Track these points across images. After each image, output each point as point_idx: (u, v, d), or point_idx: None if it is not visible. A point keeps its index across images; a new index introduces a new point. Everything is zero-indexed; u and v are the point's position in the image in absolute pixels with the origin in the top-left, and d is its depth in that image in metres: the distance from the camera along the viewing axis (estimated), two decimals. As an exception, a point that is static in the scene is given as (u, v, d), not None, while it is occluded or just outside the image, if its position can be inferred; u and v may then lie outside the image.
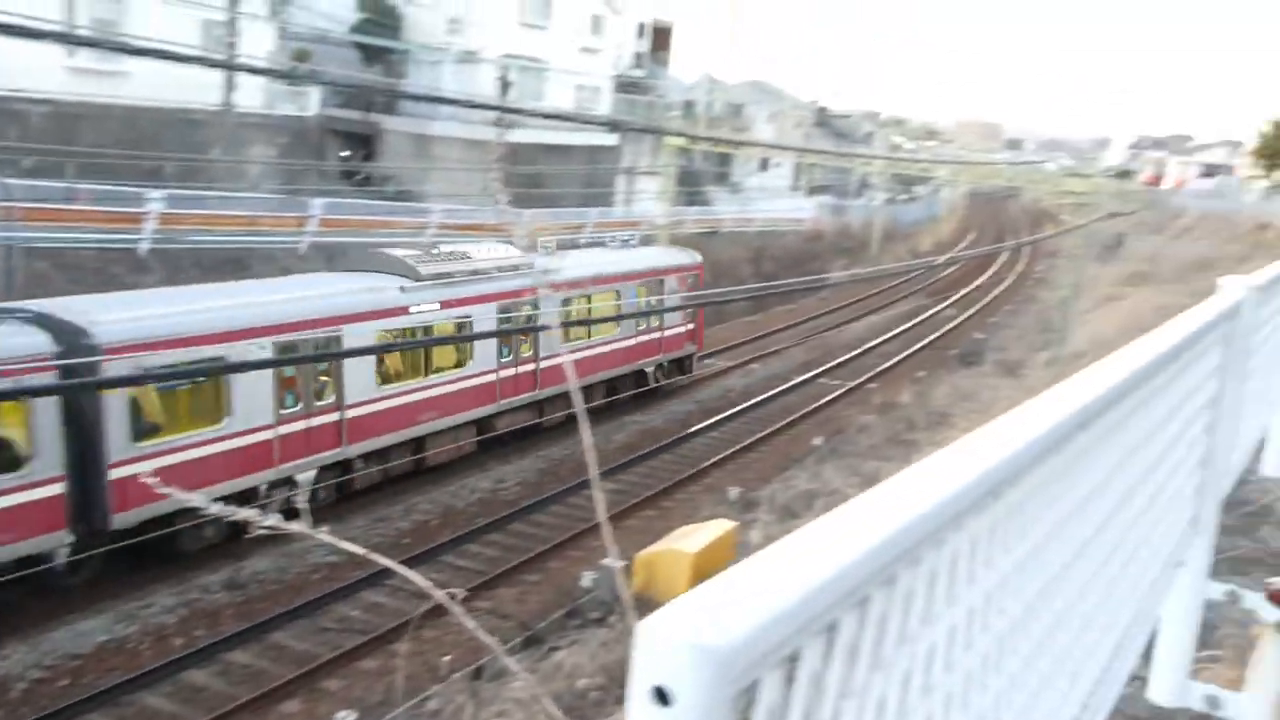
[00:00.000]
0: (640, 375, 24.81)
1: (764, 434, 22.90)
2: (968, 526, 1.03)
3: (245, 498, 14.41)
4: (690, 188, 45.73)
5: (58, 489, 12.56)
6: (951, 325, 38.56)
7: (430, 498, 17.84)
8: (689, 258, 26.73)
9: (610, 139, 42.34)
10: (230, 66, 24.24)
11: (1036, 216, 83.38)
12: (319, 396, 16.06)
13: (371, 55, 38.88)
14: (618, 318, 22.67)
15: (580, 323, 21.70)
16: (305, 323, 15.46)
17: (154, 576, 14.03)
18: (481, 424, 19.41)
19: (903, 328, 37.18)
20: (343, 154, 38.26)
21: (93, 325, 12.99)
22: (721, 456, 21.15)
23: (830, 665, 0.64)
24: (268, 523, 1.75)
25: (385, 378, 17.25)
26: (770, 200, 52.73)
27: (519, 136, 37.51)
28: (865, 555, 0.64)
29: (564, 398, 20.75)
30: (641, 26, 55.68)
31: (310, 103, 35.10)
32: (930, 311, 41.09)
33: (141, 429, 13.61)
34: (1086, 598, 1.57)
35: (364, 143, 38.89)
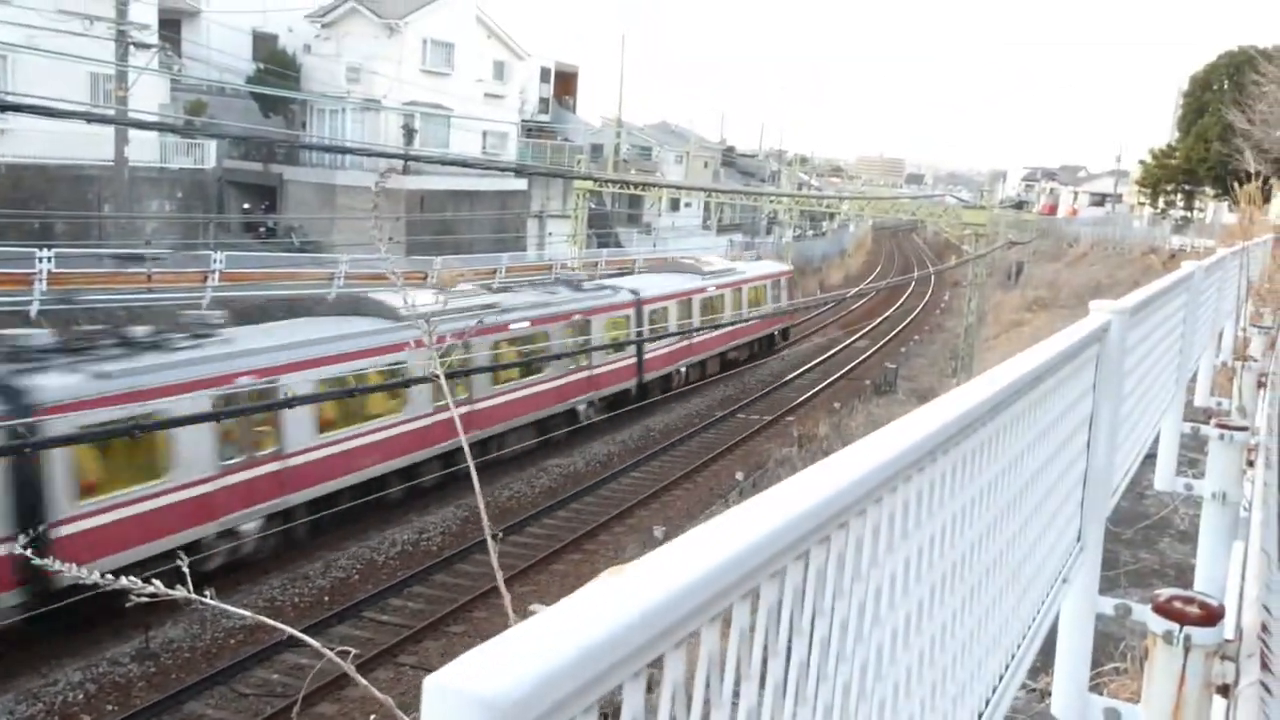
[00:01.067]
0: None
1: (686, 471, 22.99)
2: (834, 542, 1.07)
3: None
4: (601, 230, 46.02)
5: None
6: (864, 356, 39.36)
7: (350, 553, 17.44)
8: (786, 265, 41.00)
9: (519, 184, 42.45)
10: (117, 122, 23.68)
11: (940, 248, 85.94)
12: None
13: (270, 106, 38.40)
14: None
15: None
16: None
17: (59, 650, 13.40)
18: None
19: (817, 360, 37.81)
20: (244, 206, 37.60)
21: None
22: (645, 496, 21.16)
23: (661, 705, 0.65)
24: (148, 590, 1.69)
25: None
26: (682, 240, 53.34)
27: (427, 183, 37.39)
28: (704, 579, 0.66)
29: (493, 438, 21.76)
30: (545, 71, 56.19)
31: (208, 155, 34.47)
32: (843, 344, 41.89)
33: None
34: (969, 617, 1.62)
35: (266, 194, 38.29)
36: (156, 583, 1.73)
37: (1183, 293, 4.49)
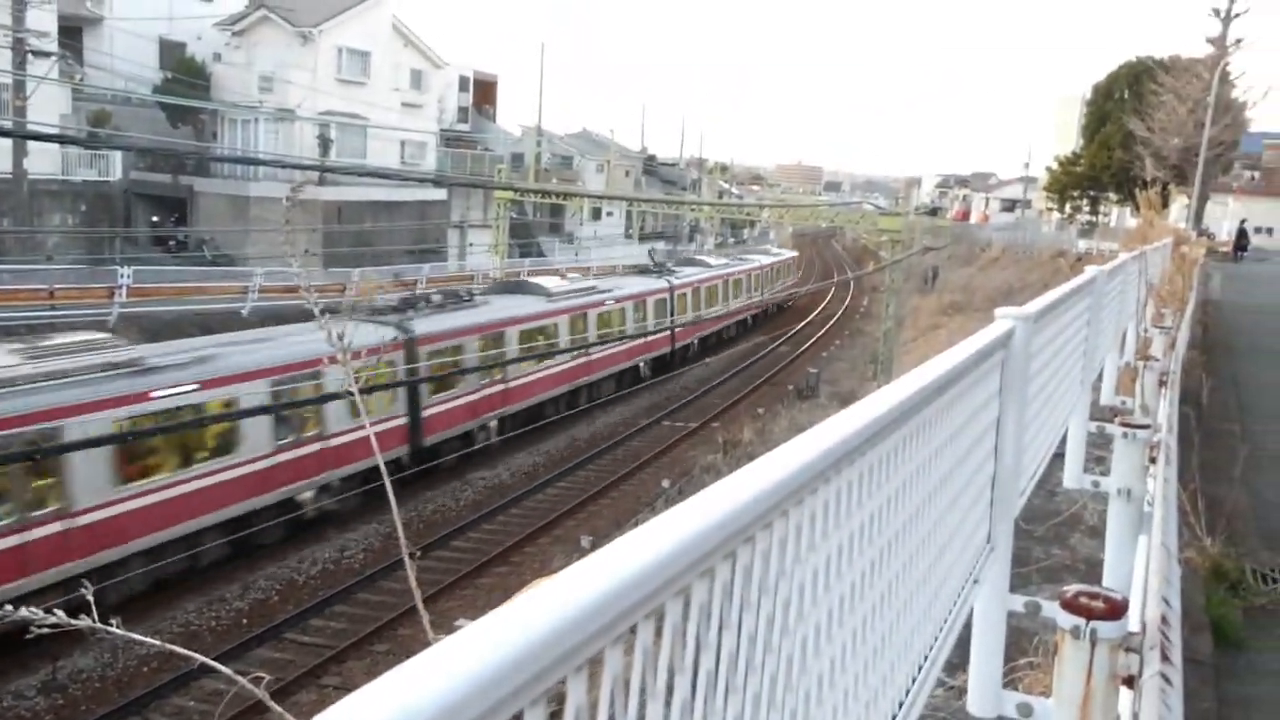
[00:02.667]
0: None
1: (613, 480, 22.99)
2: (741, 553, 1.09)
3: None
4: (523, 239, 45.85)
5: None
6: (787, 361, 39.83)
7: (268, 574, 17.03)
8: (790, 252, 46.85)
9: (439, 194, 42.09)
10: (14, 134, 22.86)
11: (858, 254, 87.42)
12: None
13: (179, 116, 37.43)
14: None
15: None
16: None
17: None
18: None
19: (741, 366, 38.16)
20: (153, 219, 36.57)
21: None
22: (571, 506, 21.09)
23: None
24: (50, 621, 1.63)
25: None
26: (605, 249, 53.42)
27: (345, 194, 36.83)
28: (604, 600, 0.66)
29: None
30: (464, 80, 55.81)
31: (113, 167, 33.46)
32: (765, 350, 42.34)
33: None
34: (884, 616, 1.66)
35: (175, 207, 37.30)
36: (59, 613, 1.68)
37: (1086, 297, 4.65)
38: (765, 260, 50.89)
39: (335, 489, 18.79)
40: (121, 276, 25.38)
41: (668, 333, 33.50)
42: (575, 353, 27.16)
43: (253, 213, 35.02)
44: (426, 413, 21.25)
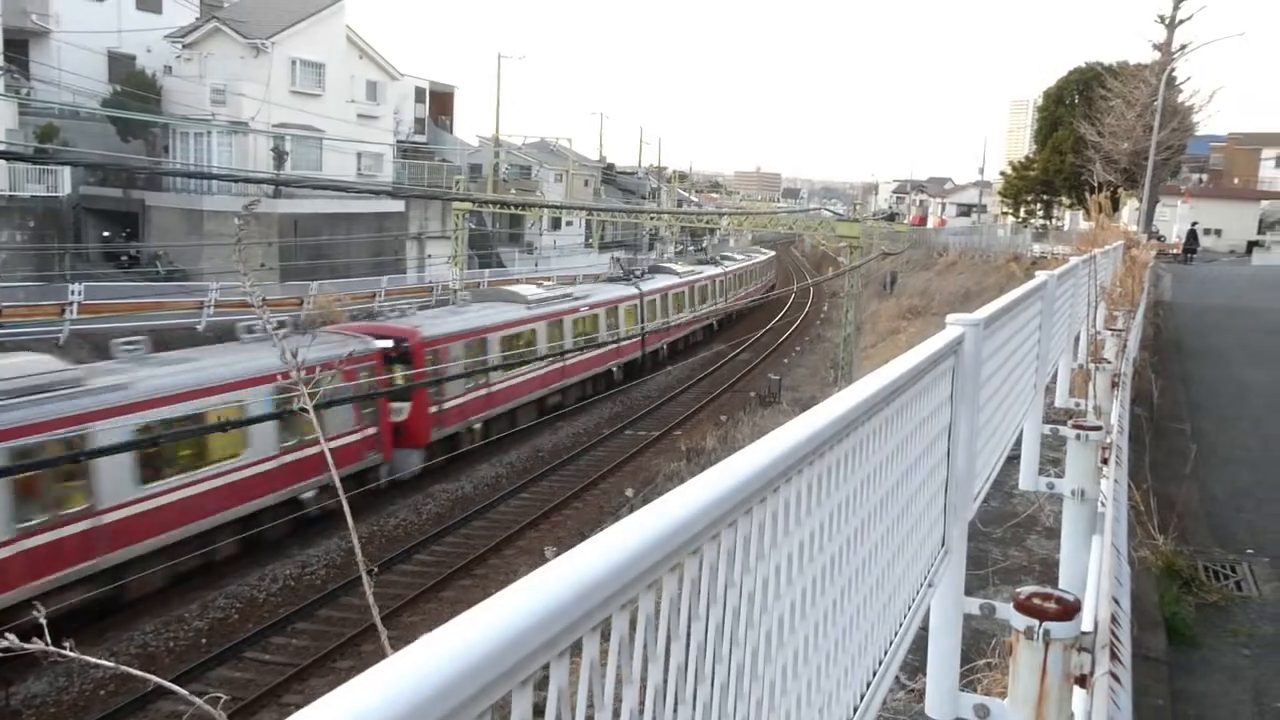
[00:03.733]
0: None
1: (577, 489, 22.94)
2: (706, 551, 1.11)
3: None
4: (483, 250, 45.69)
5: None
6: (748, 368, 40.01)
7: (228, 592, 16.80)
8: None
9: (397, 205, 41.84)
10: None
11: (817, 260, 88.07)
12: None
13: (130, 130, 36.91)
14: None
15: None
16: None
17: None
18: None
19: (703, 373, 38.27)
20: (104, 235, 36.01)
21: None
22: (535, 517, 21.02)
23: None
24: (1, 646, 1.61)
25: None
26: (565, 258, 53.38)
27: (300, 207, 36.50)
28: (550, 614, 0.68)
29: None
30: (420, 92, 55.59)
31: (62, 182, 32.91)
32: (726, 358, 42.49)
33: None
34: (839, 620, 1.69)
35: (127, 221, 36.75)
36: (11, 636, 1.64)
37: (1037, 301, 4.73)
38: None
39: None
40: (72, 293, 24.96)
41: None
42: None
43: (207, 227, 34.61)
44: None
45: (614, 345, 32.21)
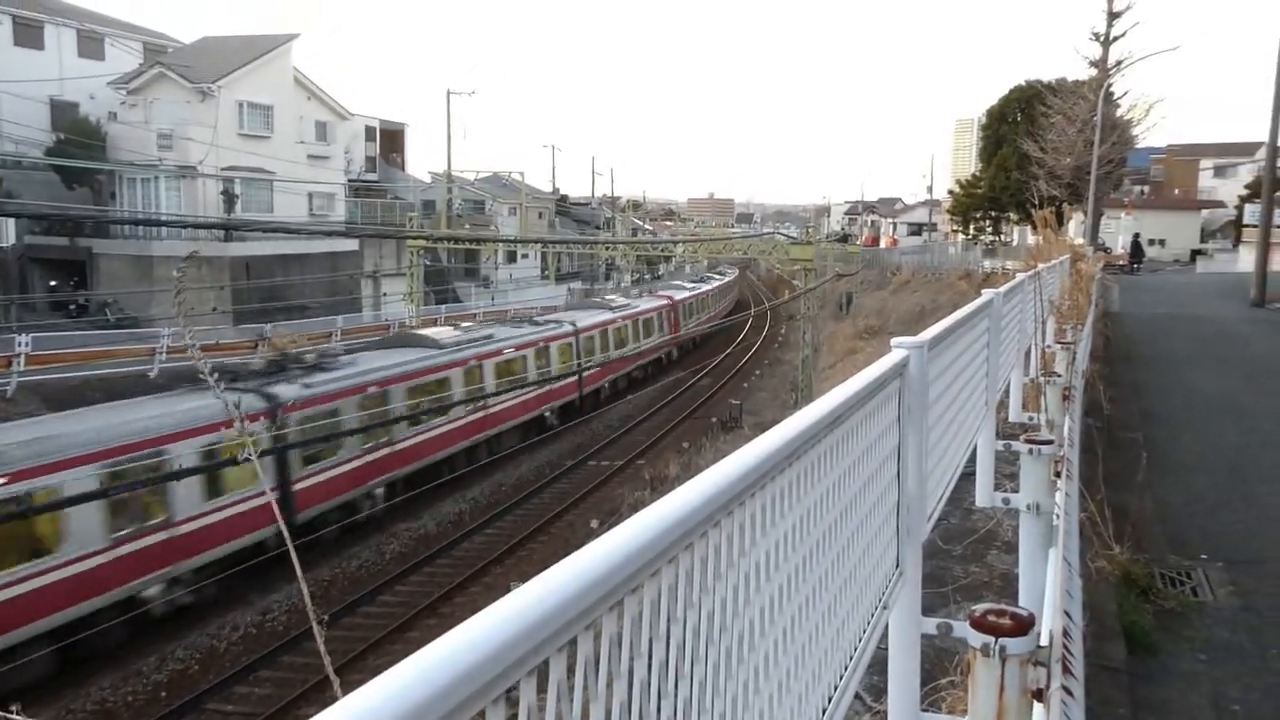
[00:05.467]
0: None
1: (541, 523, 22.81)
2: (662, 575, 1.13)
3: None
4: (439, 286, 45.54)
5: None
6: (709, 394, 40.11)
7: (187, 642, 16.44)
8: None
9: (350, 244, 41.63)
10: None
11: (773, 284, 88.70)
12: None
13: (75, 177, 36.45)
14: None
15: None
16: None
17: None
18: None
19: (663, 401, 38.30)
20: (51, 284, 35.45)
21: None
22: (500, 552, 20.85)
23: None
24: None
25: None
26: (522, 291, 53.32)
27: (252, 249, 36.22)
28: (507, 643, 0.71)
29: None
30: (371, 130, 55.51)
31: (6, 232, 32.40)
32: (686, 385, 42.58)
33: None
34: (792, 646, 1.69)
35: (74, 270, 36.22)
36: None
37: (983, 319, 4.80)
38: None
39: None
40: (19, 345, 24.50)
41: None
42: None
43: (157, 272, 34.19)
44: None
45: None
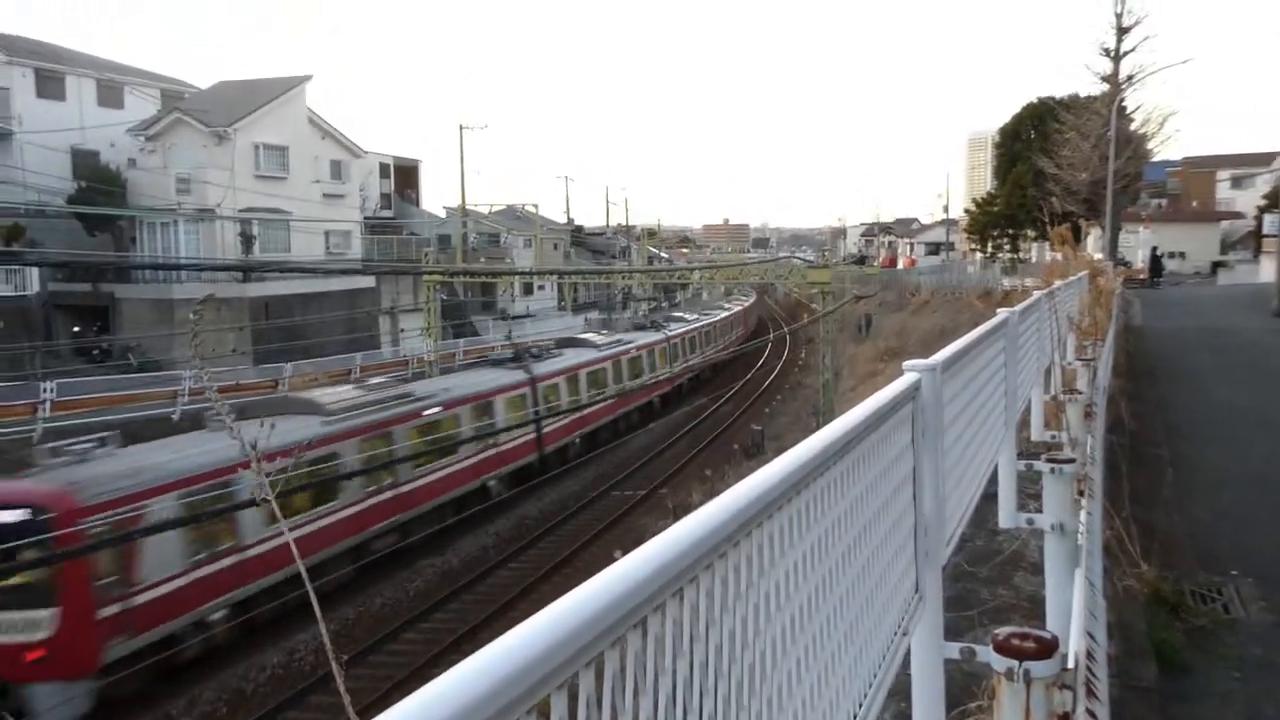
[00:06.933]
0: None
1: (565, 555, 22.75)
2: (669, 608, 1.14)
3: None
4: (456, 320, 45.77)
5: None
6: (730, 420, 40.03)
7: (215, 684, 16.45)
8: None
9: (367, 281, 41.96)
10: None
11: (791, 308, 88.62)
12: None
13: (96, 224, 36.97)
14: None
15: None
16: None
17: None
18: None
19: (685, 429, 38.24)
20: (75, 330, 35.87)
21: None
22: (525, 587, 20.79)
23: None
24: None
25: None
26: (539, 323, 53.52)
27: (271, 289, 36.56)
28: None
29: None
30: (385, 167, 56.10)
31: (30, 281, 32.85)
32: (708, 411, 42.51)
33: None
34: (807, 675, 1.69)
35: (98, 315, 36.64)
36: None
37: (999, 339, 4.79)
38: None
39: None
40: (45, 391, 24.78)
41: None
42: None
43: (178, 315, 34.54)
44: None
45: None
